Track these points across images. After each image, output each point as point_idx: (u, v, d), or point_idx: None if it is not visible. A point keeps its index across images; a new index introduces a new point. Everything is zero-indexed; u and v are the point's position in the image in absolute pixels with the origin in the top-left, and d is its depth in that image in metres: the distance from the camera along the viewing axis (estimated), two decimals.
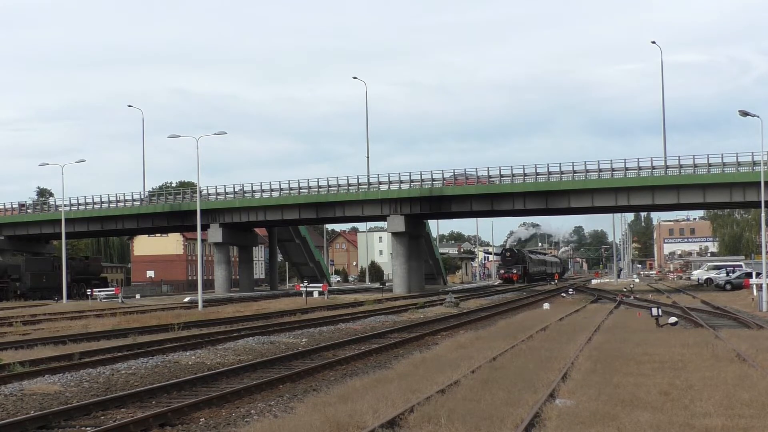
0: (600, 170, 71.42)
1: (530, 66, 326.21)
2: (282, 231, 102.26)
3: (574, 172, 72.23)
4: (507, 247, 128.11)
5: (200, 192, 71.83)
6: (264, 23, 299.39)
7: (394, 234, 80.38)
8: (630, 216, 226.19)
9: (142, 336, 30.70)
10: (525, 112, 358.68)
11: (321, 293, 65.65)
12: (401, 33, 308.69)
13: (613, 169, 71.05)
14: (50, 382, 18.44)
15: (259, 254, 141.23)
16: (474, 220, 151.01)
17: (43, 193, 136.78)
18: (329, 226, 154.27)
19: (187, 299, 67.80)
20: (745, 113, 45.93)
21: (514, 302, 57.43)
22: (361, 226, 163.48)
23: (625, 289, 70.96)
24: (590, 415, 12.36)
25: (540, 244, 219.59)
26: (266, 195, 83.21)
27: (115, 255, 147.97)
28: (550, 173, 72.84)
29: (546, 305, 47.79)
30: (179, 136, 57.20)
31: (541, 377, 16.67)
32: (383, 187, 78.73)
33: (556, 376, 16.73)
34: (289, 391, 17.42)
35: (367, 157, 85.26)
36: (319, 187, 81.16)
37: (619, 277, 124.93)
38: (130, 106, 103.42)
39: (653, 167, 69.94)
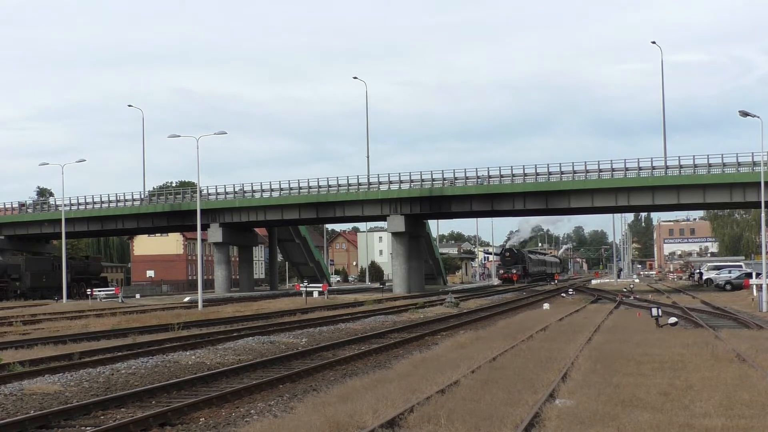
0: (600, 170, 71.46)
1: (531, 66, 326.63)
2: (282, 231, 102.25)
3: (574, 172, 72.27)
4: (507, 247, 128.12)
5: (200, 192, 71.83)
6: (264, 23, 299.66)
7: (394, 234, 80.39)
8: (630, 216, 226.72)
9: (142, 336, 30.72)
10: (526, 112, 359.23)
11: (321, 293, 65.66)
12: (402, 32, 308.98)
13: (613, 169, 71.09)
14: (50, 381, 18.43)
15: (259, 254, 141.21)
16: (474, 220, 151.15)
17: (43, 192, 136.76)
18: (329, 226, 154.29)
19: (187, 299, 67.83)
20: (745, 113, 45.92)
21: (513, 302, 57.44)
22: (361, 226, 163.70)
23: (625, 290, 70.93)
24: (590, 415, 12.36)
25: (540, 244, 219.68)
26: (266, 195, 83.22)
27: (115, 255, 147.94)
28: (550, 173, 72.87)
29: (546, 305, 47.79)
30: (179, 136, 57.22)
31: (541, 377, 16.67)
32: (383, 187, 78.76)
33: (555, 376, 16.73)
34: (289, 391, 17.42)
35: (368, 157, 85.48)
36: (319, 187, 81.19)
37: (619, 277, 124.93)
38: (130, 105, 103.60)
39: (653, 167, 69.97)
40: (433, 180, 77.11)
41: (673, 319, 29.86)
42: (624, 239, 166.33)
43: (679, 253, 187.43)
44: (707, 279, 79.29)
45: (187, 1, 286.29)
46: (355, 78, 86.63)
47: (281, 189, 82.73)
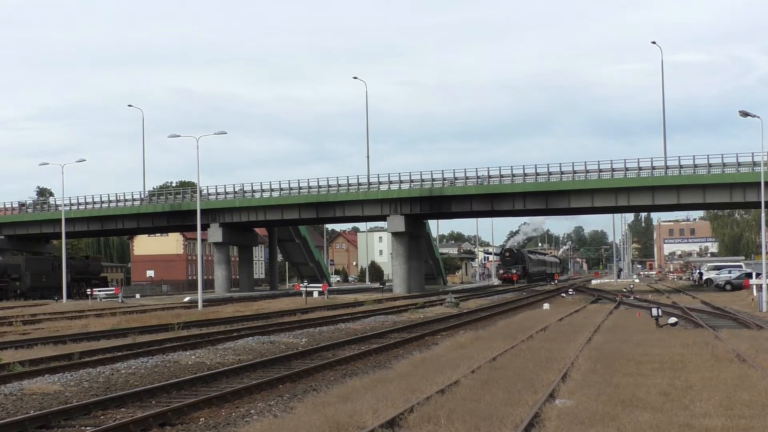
0: (600, 170, 71.45)
1: (531, 66, 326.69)
2: (282, 231, 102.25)
3: (574, 172, 72.26)
4: (507, 247, 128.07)
5: (200, 192, 71.82)
6: (264, 23, 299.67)
7: (394, 234, 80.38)
8: (630, 216, 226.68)
9: (142, 336, 30.73)
10: (526, 112, 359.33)
11: (321, 293, 65.65)
12: (402, 32, 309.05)
13: (613, 169, 71.09)
14: (50, 381, 18.43)
15: (259, 254, 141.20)
16: (474, 220, 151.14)
17: (43, 192, 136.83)
18: (329, 226, 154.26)
19: (187, 299, 67.84)
20: (745, 114, 45.90)
21: (513, 302, 57.43)
22: (361, 226, 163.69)
23: (625, 290, 70.93)
24: (590, 415, 12.36)
25: (540, 244, 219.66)
26: (266, 195, 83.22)
27: (115, 255, 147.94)
28: (550, 173, 72.86)
29: (546, 305, 47.79)
30: (179, 136, 57.23)
31: (540, 377, 16.67)
32: (383, 187, 78.76)
33: (555, 376, 16.73)
34: (289, 391, 17.42)
35: (368, 157, 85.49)
36: (319, 186, 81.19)
37: (619, 277, 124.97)
38: (130, 105, 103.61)
39: (653, 167, 69.98)
40: (433, 180, 77.11)
41: (673, 319, 29.86)
42: (624, 239, 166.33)
43: (679, 253, 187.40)
44: (707, 279, 79.28)
45: (187, 1, 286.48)
46: (355, 78, 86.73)
47: (281, 189, 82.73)
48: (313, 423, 12.34)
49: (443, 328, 33.37)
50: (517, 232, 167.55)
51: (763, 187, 45.97)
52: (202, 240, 71.41)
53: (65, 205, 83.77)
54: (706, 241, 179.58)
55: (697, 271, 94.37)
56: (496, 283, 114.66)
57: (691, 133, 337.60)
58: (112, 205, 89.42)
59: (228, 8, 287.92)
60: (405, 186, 78.11)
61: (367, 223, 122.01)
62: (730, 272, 74.00)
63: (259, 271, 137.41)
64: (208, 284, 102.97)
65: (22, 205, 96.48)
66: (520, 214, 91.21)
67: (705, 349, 21.32)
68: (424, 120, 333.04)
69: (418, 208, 78.28)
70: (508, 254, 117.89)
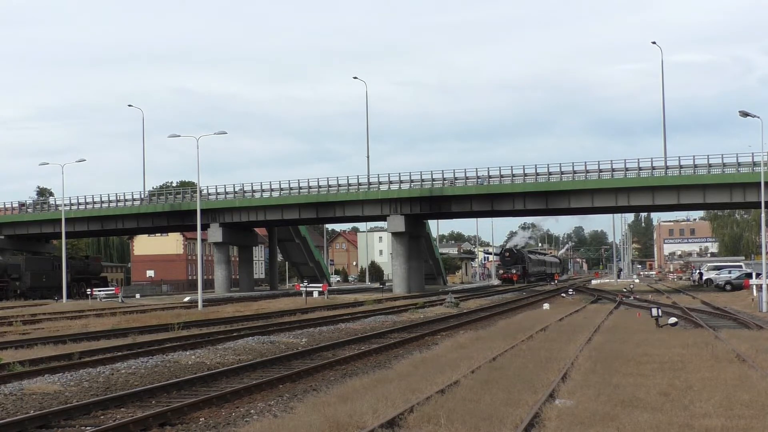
0: (600, 170, 71.47)
1: (531, 66, 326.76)
2: (282, 231, 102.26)
3: (574, 172, 72.27)
4: (507, 247, 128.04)
5: (200, 192, 71.81)
6: (265, 23, 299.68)
7: (394, 234, 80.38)
8: (630, 216, 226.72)
9: (142, 335, 30.74)
10: (526, 112, 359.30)
11: (321, 293, 65.64)
12: (402, 32, 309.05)
13: (613, 170, 71.10)
14: (50, 381, 18.43)
15: (259, 254, 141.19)
16: (474, 220, 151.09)
17: (43, 192, 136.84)
18: (329, 226, 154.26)
19: (187, 299, 67.83)
20: (745, 114, 45.90)
21: (513, 302, 57.43)
22: (361, 226, 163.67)
23: (625, 290, 70.91)
24: (590, 416, 12.36)
25: (540, 245, 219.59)
26: (266, 195, 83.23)
27: (115, 255, 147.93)
28: (550, 173, 72.87)
29: (546, 305, 47.79)
30: (179, 136, 57.23)
31: (540, 377, 16.67)
32: (383, 187, 78.76)
33: (555, 376, 16.73)
34: (289, 391, 17.42)
35: (368, 157, 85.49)
36: (319, 186, 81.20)
37: (619, 277, 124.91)
38: (130, 105, 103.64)
39: (653, 167, 69.99)
40: (433, 180, 77.12)
41: (673, 320, 29.86)
42: (624, 239, 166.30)
43: (679, 253, 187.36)
44: (707, 279, 79.21)
45: (187, 1, 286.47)
46: (355, 78, 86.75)
47: (281, 189, 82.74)
48: (313, 423, 12.35)
49: (443, 328, 33.36)
50: (528, 227, 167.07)
51: (763, 187, 45.97)
52: (202, 240, 71.41)
53: (65, 205, 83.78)
54: (706, 242, 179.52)
55: (697, 271, 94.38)
56: (496, 283, 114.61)
57: (691, 133, 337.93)
58: (112, 205, 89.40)
59: (228, 8, 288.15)
60: (405, 186, 78.12)
61: (367, 223, 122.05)
62: (730, 272, 73.91)
63: (259, 271, 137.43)
64: (208, 284, 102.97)
65: (22, 205, 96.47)
66: (520, 214, 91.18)
67: (705, 349, 21.32)
68: (424, 120, 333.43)
69: (418, 208, 78.28)
70: (508, 254, 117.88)
